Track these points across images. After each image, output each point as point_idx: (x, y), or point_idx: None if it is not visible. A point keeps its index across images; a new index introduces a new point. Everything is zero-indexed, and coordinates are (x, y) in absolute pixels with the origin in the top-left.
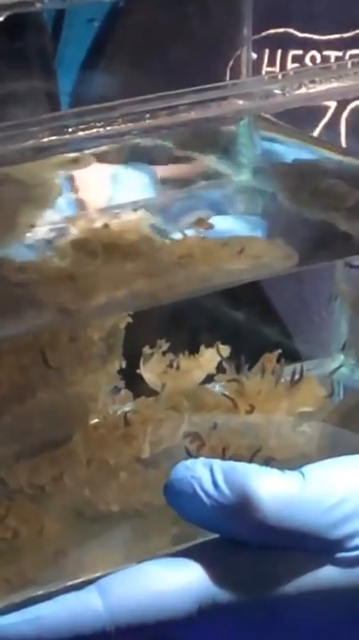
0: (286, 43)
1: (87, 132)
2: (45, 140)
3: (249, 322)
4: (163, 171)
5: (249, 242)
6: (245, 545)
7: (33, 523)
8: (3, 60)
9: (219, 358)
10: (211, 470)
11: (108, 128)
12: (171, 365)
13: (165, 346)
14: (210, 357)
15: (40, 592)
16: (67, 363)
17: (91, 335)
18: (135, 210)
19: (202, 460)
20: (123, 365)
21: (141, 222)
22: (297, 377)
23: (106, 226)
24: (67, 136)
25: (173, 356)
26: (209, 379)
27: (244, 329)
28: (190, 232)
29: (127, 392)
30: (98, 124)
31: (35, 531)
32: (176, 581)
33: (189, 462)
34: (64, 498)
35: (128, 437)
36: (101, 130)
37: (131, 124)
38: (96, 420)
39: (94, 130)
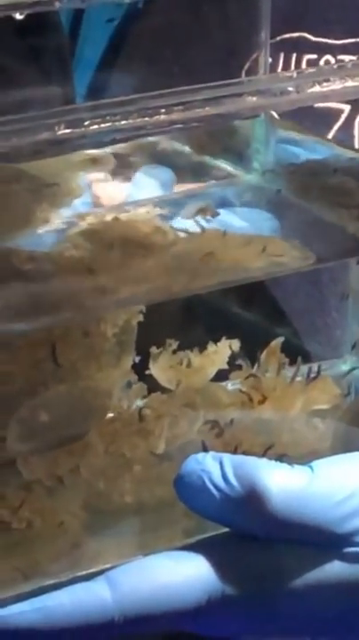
0: (301, 47)
1: (102, 125)
2: (60, 132)
3: (261, 321)
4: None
5: (269, 242)
6: (254, 538)
7: (47, 514)
8: (18, 59)
9: (229, 353)
10: (221, 464)
11: (124, 122)
12: (181, 363)
13: (175, 345)
14: (220, 352)
15: (50, 582)
16: (80, 358)
17: (105, 331)
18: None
19: (212, 453)
20: (136, 361)
21: (151, 215)
22: (314, 375)
23: (116, 219)
24: (83, 129)
25: (184, 354)
26: (224, 376)
27: (256, 328)
28: (201, 222)
29: (141, 387)
30: (113, 118)
31: (48, 522)
32: (185, 574)
33: (199, 456)
34: (79, 490)
35: (143, 433)
36: (117, 123)
37: (146, 119)
38: (111, 415)
39: (109, 123)
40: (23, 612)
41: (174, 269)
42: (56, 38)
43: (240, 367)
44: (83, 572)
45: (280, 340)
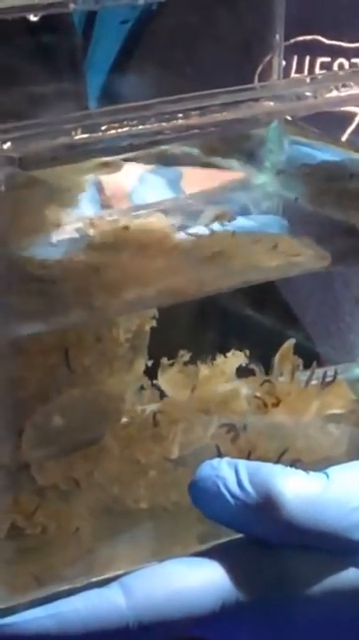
0: (314, 50)
1: (119, 130)
2: (77, 137)
3: (273, 326)
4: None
5: (281, 240)
6: (269, 545)
7: (61, 519)
8: (32, 60)
9: (237, 364)
10: (236, 470)
11: (141, 127)
12: (190, 373)
13: (187, 356)
14: (229, 363)
15: (65, 588)
16: (93, 363)
17: (117, 336)
18: (155, 211)
19: (227, 459)
20: (149, 365)
21: (163, 221)
22: (329, 379)
23: (126, 227)
24: (100, 134)
25: (193, 368)
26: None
27: (269, 333)
28: (216, 226)
29: (154, 391)
30: (131, 123)
31: (63, 527)
32: (199, 580)
33: (214, 462)
34: (93, 495)
35: (157, 437)
36: (134, 129)
37: (163, 124)
38: (125, 420)
39: (127, 128)
40: (37, 618)
41: (186, 270)
42: (69, 39)
43: (253, 372)
44: (98, 578)
45: (292, 341)
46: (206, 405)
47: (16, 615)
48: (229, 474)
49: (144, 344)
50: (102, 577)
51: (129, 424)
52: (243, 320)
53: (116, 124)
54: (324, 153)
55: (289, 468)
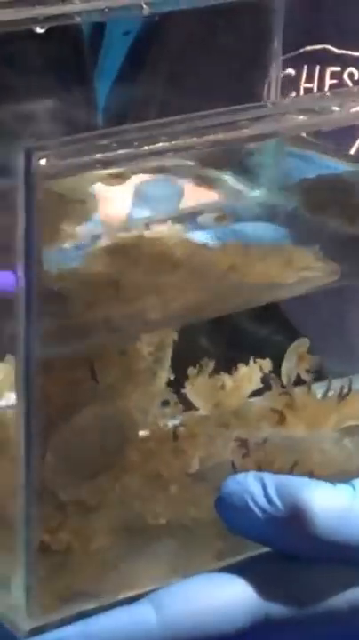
0: (324, 59)
1: (155, 145)
2: (111, 154)
3: (286, 338)
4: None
5: (292, 252)
6: (297, 558)
7: (84, 536)
8: (40, 71)
9: (261, 374)
10: (263, 484)
11: (173, 142)
12: (216, 385)
13: (211, 365)
14: (253, 374)
15: (92, 606)
16: (117, 377)
17: (141, 349)
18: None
19: (253, 473)
20: (171, 378)
21: (175, 232)
22: (346, 390)
23: (140, 237)
24: (133, 150)
25: (218, 375)
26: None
27: (282, 345)
28: (219, 233)
29: (176, 405)
30: (163, 139)
31: (87, 544)
32: (229, 596)
33: (240, 476)
34: (115, 511)
35: (177, 452)
36: (168, 144)
37: (195, 139)
38: (147, 434)
39: (160, 144)
40: (67, 636)
41: (201, 287)
42: (77, 50)
43: (269, 386)
44: (125, 596)
45: (306, 341)
46: (226, 419)
47: (46, 634)
48: (256, 488)
49: (167, 356)
50: (130, 594)
51: (149, 438)
52: (255, 331)
53: (151, 140)
54: (325, 166)
55: (316, 481)
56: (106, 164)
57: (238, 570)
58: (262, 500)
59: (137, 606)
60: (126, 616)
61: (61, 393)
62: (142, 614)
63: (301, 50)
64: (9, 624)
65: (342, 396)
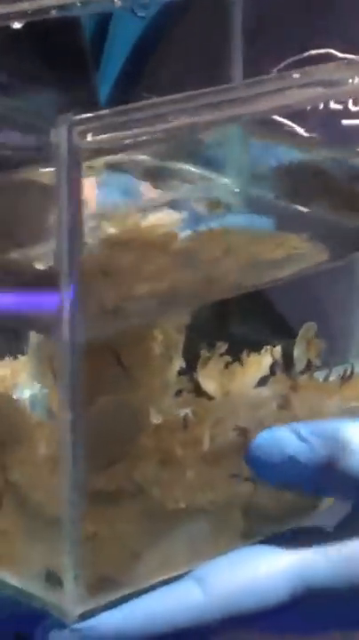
0: (328, 63)
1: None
2: (158, 127)
3: (282, 324)
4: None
5: (283, 237)
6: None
7: (110, 522)
8: (40, 62)
9: (271, 360)
10: (296, 428)
11: (216, 113)
12: (226, 367)
13: (223, 347)
14: (263, 360)
15: (128, 592)
16: (135, 363)
17: (156, 335)
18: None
19: (282, 425)
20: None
21: (170, 219)
22: (349, 373)
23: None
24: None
25: (229, 359)
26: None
27: (280, 330)
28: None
29: (188, 392)
30: (196, 112)
31: (112, 531)
32: (270, 569)
33: (272, 427)
34: (137, 498)
35: (190, 437)
36: (201, 117)
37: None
38: (161, 420)
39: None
40: (116, 619)
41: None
42: (76, 42)
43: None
44: (160, 579)
45: (312, 325)
46: (236, 406)
47: (95, 618)
48: (288, 434)
49: (179, 342)
50: (167, 576)
51: (162, 425)
52: (253, 317)
53: (184, 116)
54: (295, 153)
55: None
56: (149, 139)
57: (277, 542)
58: (297, 443)
59: (180, 584)
60: (171, 594)
61: (91, 379)
62: (187, 591)
63: (305, 54)
64: (56, 611)
65: (345, 379)
